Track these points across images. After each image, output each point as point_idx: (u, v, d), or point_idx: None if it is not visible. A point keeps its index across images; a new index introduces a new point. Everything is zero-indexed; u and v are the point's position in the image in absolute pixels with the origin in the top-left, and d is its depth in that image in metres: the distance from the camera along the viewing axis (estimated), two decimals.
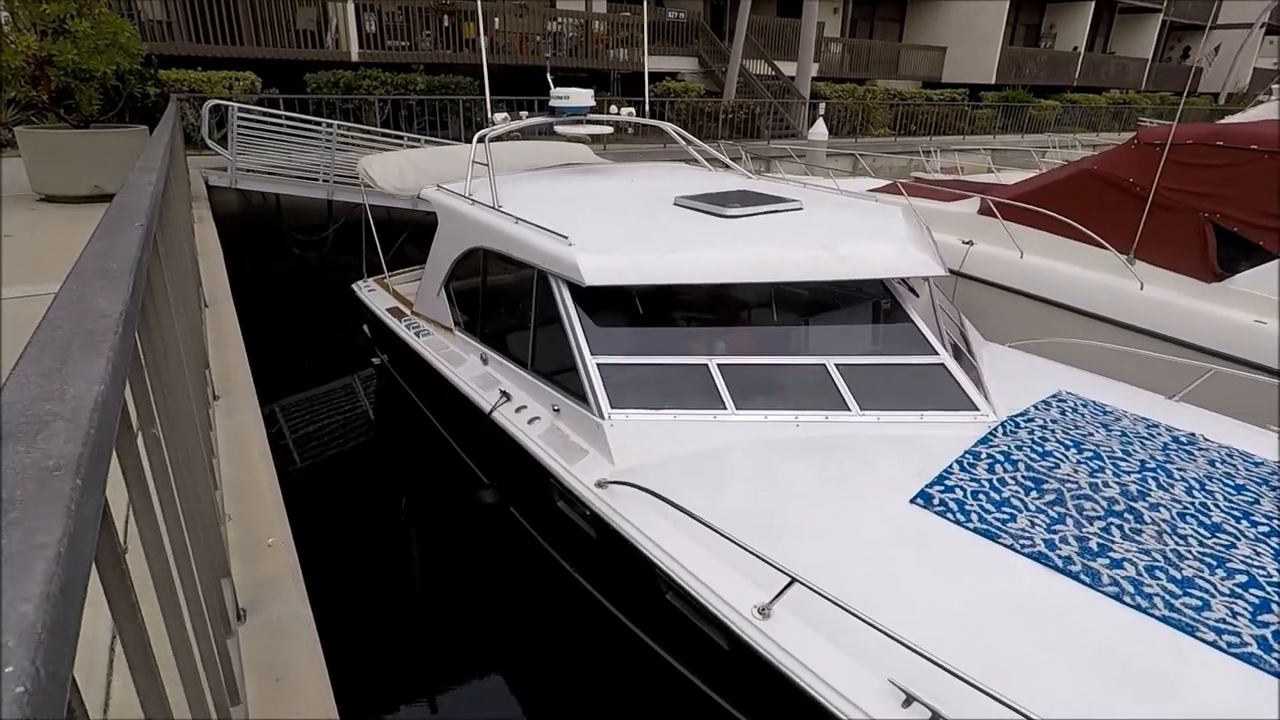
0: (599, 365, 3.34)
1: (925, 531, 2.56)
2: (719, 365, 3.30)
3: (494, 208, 4.36)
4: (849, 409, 3.20)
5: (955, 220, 6.73)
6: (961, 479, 2.80)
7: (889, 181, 8.79)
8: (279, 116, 9.82)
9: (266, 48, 12.54)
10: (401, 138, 10.49)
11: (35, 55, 6.13)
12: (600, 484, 3.03)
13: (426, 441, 5.56)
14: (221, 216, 8.61)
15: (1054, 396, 3.49)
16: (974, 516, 2.59)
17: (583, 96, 5.44)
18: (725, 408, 3.21)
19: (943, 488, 2.75)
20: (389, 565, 4.73)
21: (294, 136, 9.96)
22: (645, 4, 6.58)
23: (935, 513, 2.63)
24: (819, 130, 13.38)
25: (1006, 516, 2.58)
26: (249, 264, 9.95)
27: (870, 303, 3.71)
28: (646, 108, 6.22)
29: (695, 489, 2.87)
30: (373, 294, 6.55)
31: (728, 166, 6.25)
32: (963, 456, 2.93)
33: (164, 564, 0.94)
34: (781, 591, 2.23)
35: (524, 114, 5.44)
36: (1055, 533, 2.49)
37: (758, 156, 12.00)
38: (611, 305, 3.55)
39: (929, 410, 3.21)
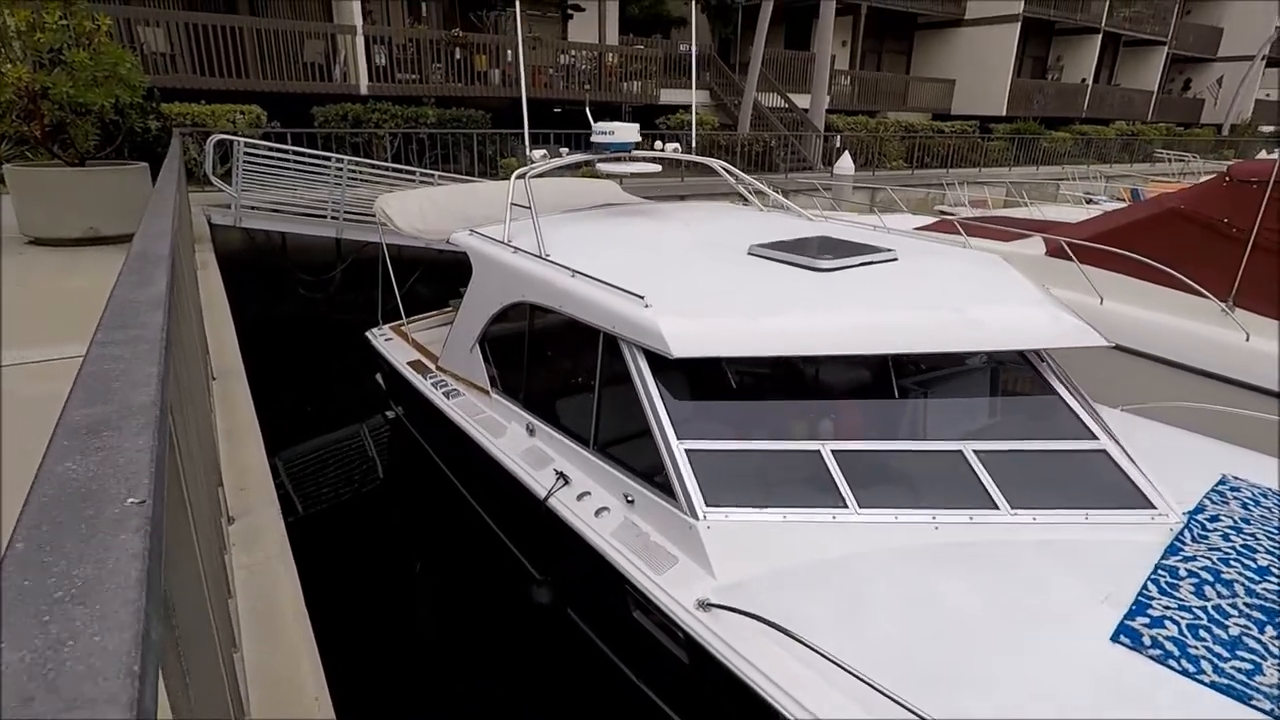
0: (688, 451, 2.78)
1: (1148, 687, 1.98)
2: (833, 451, 2.75)
3: (541, 257, 3.84)
4: (997, 507, 2.64)
5: (1021, 262, 6.21)
6: (1168, 607, 2.23)
7: (936, 219, 8.33)
8: (285, 151, 9.37)
9: (272, 80, 12.15)
10: (414, 173, 10.05)
11: (28, 88, 5.65)
12: (703, 605, 2.46)
13: (451, 510, 4.97)
14: (223, 255, 8.10)
15: (1223, 485, 2.94)
16: (1205, 665, 2.02)
17: (628, 131, 4.96)
18: (846, 505, 2.65)
19: (1147, 620, 2.18)
20: (417, 663, 4.11)
21: (301, 172, 9.50)
22: (693, 30, 6.15)
23: (1150, 657, 2.06)
24: (845, 164, 13.01)
25: (1250, 666, 2.02)
26: (253, 305, 9.42)
27: (1004, 373, 3.18)
28: (694, 142, 5.75)
29: (825, 615, 2.31)
30: (390, 343, 6.01)
31: (782, 206, 5.76)
32: (1156, 574, 2.37)
33: None
34: None
35: (564, 150, 4.94)
36: None
37: (784, 191, 11.59)
38: (698, 377, 3.01)
39: (1094, 509, 2.65)
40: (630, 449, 3.20)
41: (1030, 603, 2.31)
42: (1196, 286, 5.06)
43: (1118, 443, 2.89)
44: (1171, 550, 2.48)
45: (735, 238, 4.11)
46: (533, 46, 13.96)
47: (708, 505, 2.68)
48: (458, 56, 13.26)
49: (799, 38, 22.43)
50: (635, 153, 5.07)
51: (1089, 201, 13.47)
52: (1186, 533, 2.57)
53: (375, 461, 6.71)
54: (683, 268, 3.62)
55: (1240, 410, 3.91)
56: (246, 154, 8.97)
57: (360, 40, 12.64)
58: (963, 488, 2.70)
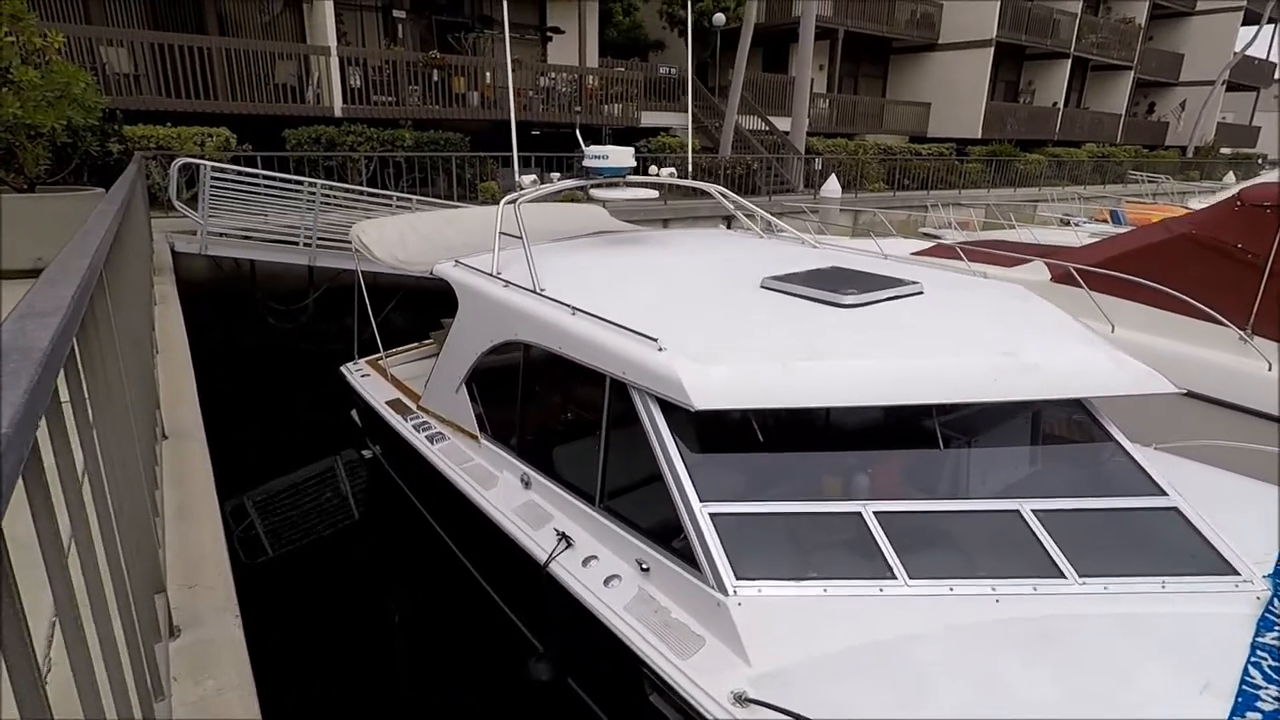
0: (712, 515, 2.45)
1: None
2: (876, 513, 2.44)
3: (535, 291, 3.52)
4: (1063, 576, 2.34)
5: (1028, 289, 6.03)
6: (1277, 697, 1.94)
7: (931, 243, 8.16)
8: (255, 175, 8.97)
9: (242, 102, 11.75)
10: (391, 197, 9.69)
11: None
12: (740, 700, 2.12)
13: (436, 563, 4.57)
14: (187, 284, 7.66)
15: None
16: None
17: (622, 156, 4.67)
18: (894, 576, 2.34)
19: (1260, 715, 1.89)
20: None
21: (272, 197, 9.10)
22: (689, 53, 5.91)
23: None
24: (832, 187, 12.91)
25: None
26: (218, 337, 8.97)
27: (1049, 417, 2.91)
28: (689, 166, 5.49)
29: (882, 713, 1.98)
30: (366, 379, 5.62)
31: (770, 227, 5.50)
32: (1256, 655, 2.08)
33: None
34: None
35: (555, 175, 4.64)
36: None
37: (773, 214, 11.42)
38: (719, 428, 2.69)
39: (1170, 575, 2.37)
40: (643, 507, 2.87)
41: (1118, 693, 2.01)
42: (1214, 314, 4.88)
43: (1183, 498, 2.61)
44: (1265, 625, 2.20)
45: (742, 268, 3.82)
46: (512, 69, 13.73)
47: (738, 578, 2.35)
48: (435, 79, 12.97)
49: (776, 61, 22.55)
50: (630, 178, 4.79)
51: (1068, 223, 13.52)
52: (1277, 601, 2.29)
53: (351, 506, 6.27)
54: (693, 304, 3.31)
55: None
56: (214, 178, 8.56)
57: (335, 62, 12.31)
58: (1022, 553, 2.40)
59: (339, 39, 12.71)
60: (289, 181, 9.10)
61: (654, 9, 19.69)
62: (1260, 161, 35.37)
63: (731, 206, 5.35)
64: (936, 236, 11.20)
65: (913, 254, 7.25)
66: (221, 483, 2.97)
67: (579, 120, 6.05)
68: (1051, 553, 2.38)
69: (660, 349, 2.66)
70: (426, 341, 6.31)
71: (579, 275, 3.84)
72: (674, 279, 3.76)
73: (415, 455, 4.31)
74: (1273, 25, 32.36)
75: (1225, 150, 33.84)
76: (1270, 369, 4.66)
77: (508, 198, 4.29)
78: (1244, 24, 31.32)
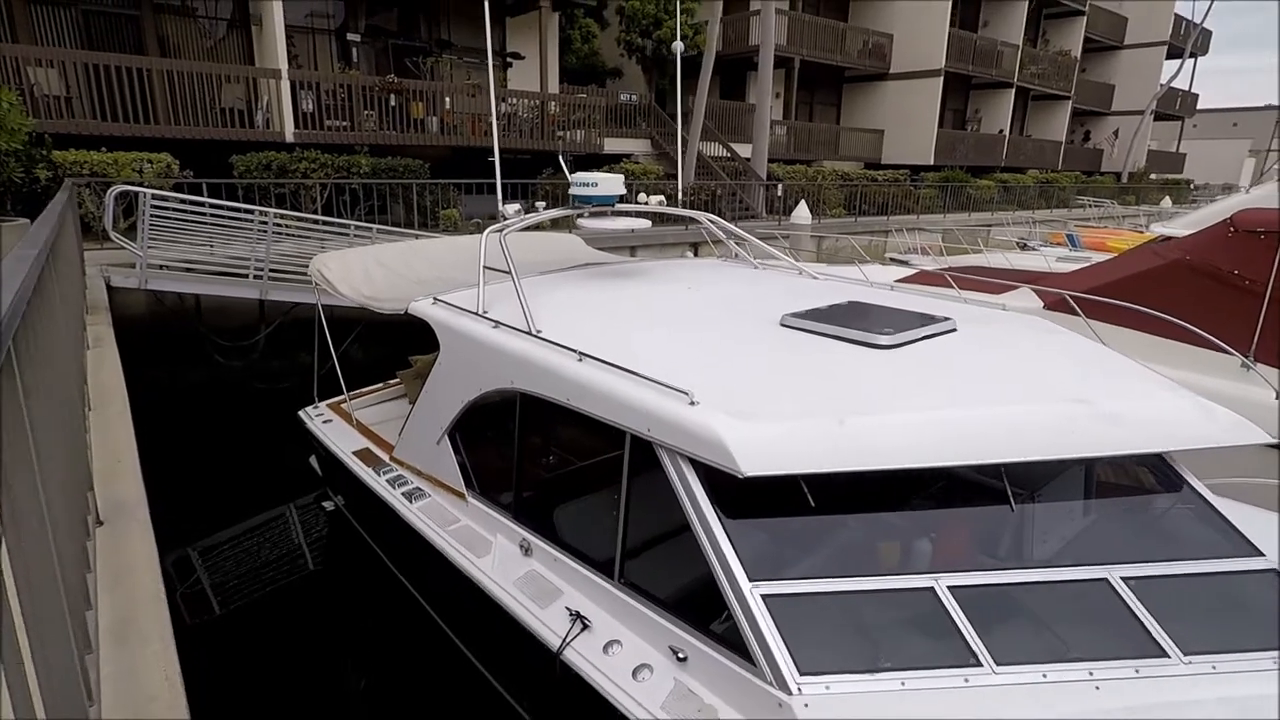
0: (765, 597, 2.11)
1: None
2: (950, 588, 2.13)
3: (531, 333, 3.16)
4: (1166, 655, 2.06)
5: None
6: None
7: (914, 270, 8.05)
8: (201, 203, 8.38)
9: (186, 126, 11.09)
10: (348, 226, 9.18)
11: None
12: None
13: (413, 631, 4.09)
14: (124, 320, 7.03)
15: None
16: None
17: (612, 184, 4.37)
18: (979, 663, 2.03)
19: None
20: None
21: (218, 226, 8.51)
22: (679, 75, 5.64)
23: None
24: (802, 213, 12.88)
25: None
26: (159, 379, 8.29)
27: (1124, 471, 2.66)
28: (680, 195, 5.21)
29: None
30: (329, 425, 5.13)
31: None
32: None
33: None
34: None
35: (540, 205, 4.31)
36: None
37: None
38: (766, 494, 2.36)
39: None
40: (672, 582, 2.51)
41: None
42: (1216, 341, 4.78)
43: None
44: None
45: (751, 304, 3.53)
46: (472, 94, 13.39)
47: (802, 674, 2.01)
48: (392, 103, 12.53)
49: (733, 88, 22.73)
50: (620, 206, 4.48)
51: (1025, 246, 13.76)
52: None
53: (309, 565, 5.70)
54: (711, 346, 2.99)
55: None
56: (154, 206, 7.95)
57: (285, 85, 11.76)
58: (1117, 628, 2.12)
59: (290, 62, 12.19)
60: (237, 210, 8.53)
61: (611, 36, 19.66)
62: (1190, 186, 37.28)
63: (722, 235, 5.09)
64: (904, 261, 11.20)
65: (897, 281, 7.12)
66: (163, 544, 2.50)
67: (562, 147, 5.75)
68: (1149, 627, 2.10)
69: (692, 403, 2.32)
70: (393, 381, 5.85)
71: (574, 313, 3.49)
72: (681, 317, 3.45)
73: (391, 515, 3.86)
74: (1194, 60, 34.35)
75: (1153, 176, 35.57)
76: (1275, 396, 4.58)
77: (492, 228, 3.93)
78: (1168, 58, 33.13)
